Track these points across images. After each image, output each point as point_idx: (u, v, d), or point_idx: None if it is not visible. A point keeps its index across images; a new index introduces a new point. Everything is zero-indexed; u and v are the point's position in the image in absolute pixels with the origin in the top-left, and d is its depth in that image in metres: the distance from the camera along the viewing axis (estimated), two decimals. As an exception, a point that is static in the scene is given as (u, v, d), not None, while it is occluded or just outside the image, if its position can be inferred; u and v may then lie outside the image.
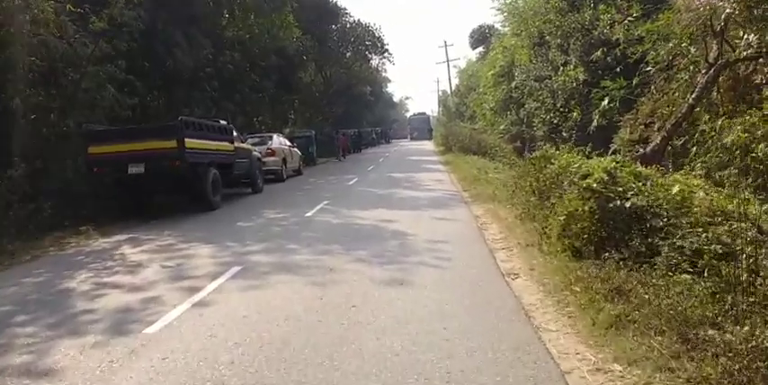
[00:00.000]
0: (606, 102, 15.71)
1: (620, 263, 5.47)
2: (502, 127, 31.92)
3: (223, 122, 13.28)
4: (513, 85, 27.55)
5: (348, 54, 42.55)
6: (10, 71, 10.02)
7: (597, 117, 16.27)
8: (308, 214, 10.60)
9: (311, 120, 41.08)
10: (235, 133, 13.99)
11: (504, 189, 12.68)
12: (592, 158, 8.69)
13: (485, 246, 7.48)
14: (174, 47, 17.73)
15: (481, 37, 50.27)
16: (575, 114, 17.38)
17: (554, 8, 21.21)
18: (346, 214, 10.49)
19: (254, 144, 17.91)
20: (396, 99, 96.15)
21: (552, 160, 9.35)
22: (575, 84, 18.70)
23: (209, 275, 6.12)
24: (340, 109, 48.65)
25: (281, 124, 34.16)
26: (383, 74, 66.38)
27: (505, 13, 30.93)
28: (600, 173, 6.48)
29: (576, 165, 7.46)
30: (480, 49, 50.11)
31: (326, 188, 15.85)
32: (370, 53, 41.78)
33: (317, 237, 8.23)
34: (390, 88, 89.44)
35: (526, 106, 25.80)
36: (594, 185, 6.19)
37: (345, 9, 39.04)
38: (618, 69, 16.17)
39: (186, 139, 10.74)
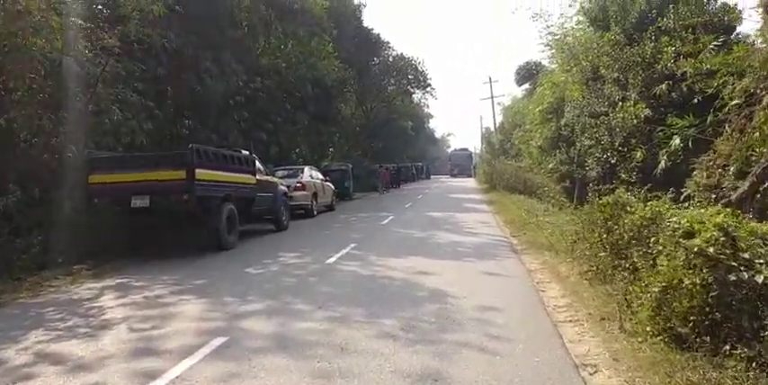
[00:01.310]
0: (678, 141, 13.95)
1: (752, 363, 3.80)
2: (550, 166, 30.13)
3: (245, 153, 12.03)
4: (563, 122, 25.94)
5: (390, 88, 41.74)
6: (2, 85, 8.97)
7: (664, 157, 14.45)
8: (331, 260, 9.06)
9: (350, 154, 40.09)
10: (258, 165, 12.74)
11: (561, 237, 10.99)
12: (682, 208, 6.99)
13: (546, 317, 5.78)
14: (203, 72, 16.89)
15: (527, 74, 48.85)
16: (638, 154, 15.54)
17: (610, 42, 19.62)
18: (375, 262, 8.91)
19: (283, 177, 16.69)
20: (438, 135, 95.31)
21: (628, 207, 7.65)
22: (635, 121, 16.89)
23: (180, 351, 4.59)
24: (380, 143, 47.67)
25: (318, 157, 33.20)
26: (425, 109, 65.69)
27: (553, 50, 29.75)
28: (712, 231, 4.76)
29: (671, 218, 5.73)
30: (526, 85, 48.70)
31: (357, 227, 14.35)
32: (412, 87, 40.84)
33: (335, 293, 6.67)
34: (432, 124, 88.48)
35: (577, 144, 24.07)
36: (710, 250, 4.48)
37: (388, 43, 38.41)
38: (685, 106, 14.53)
39: (197, 170, 9.46)
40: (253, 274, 8.10)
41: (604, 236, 7.67)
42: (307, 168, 17.94)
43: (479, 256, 9.49)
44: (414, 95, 43.72)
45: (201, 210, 9.90)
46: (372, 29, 33.30)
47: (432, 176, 67.44)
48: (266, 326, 5.31)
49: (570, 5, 25.30)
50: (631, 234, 6.66)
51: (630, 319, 5.31)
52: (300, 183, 16.61)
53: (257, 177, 12.11)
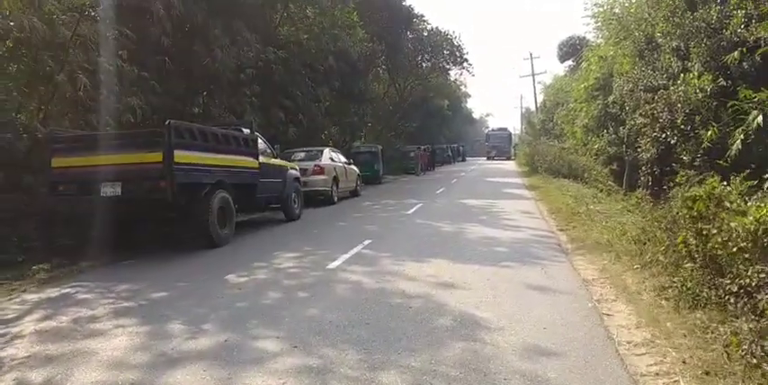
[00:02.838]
0: (760, 117, 11.69)
1: None
2: (596, 146, 27.76)
3: (246, 131, 10.30)
4: (611, 99, 23.59)
5: (425, 65, 39.46)
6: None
7: (740, 137, 12.19)
8: (335, 264, 7.31)
9: (382, 135, 38.21)
10: (263, 145, 11.05)
11: (620, 233, 9.05)
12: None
13: (620, 367, 3.92)
14: (212, 43, 15.20)
15: (571, 49, 45.99)
16: (708, 133, 13.23)
17: (668, 7, 17.08)
18: (388, 268, 7.11)
19: (299, 160, 15.02)
20: (476, 116, 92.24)
21: (727, 203, 5.66)
22: (700, 95, 14.48)
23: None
24: (414, 123, 45.55)
25: (348, 138, 31.44)
26: (463, 88, 62.92)
27: (600, 22, 27.26)
28: None
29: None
30: (569, 62, 45.79)
31: (379, 217, 12.56)
32: (448, 63, 38.46)
33: (323, 321, 4.89)
34: (470, 104, 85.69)
35: (628, 123, 21.74)
36: None
37: (423, 16, 36.08)
38: (760, 77, 12.30)
39: (177, 152, 7.80)
40: (230, 285, 6.40)
41: (692, 241, 5.69)
42: (327, 150, 16.17)
43: (520, 259, 7.60)
44: (450, 72, 41.27)
45: (185, 199, 8.27)
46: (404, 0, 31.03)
47: (468, 158, 64.78)
48: (204, 380, 3.60)
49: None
50: (744, 244, 4.69)
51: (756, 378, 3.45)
52: (318, 166, 14.88)
53: (261, 160, 10.42)
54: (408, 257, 7.70)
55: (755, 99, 11.78)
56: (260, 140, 10.94)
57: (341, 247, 8.39)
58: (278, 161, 11.59)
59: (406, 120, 45.23)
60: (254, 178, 10.06)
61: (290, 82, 17.35)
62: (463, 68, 39.64)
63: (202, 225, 8.56)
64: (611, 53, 25.07)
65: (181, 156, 7.88)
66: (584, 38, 39.22)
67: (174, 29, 14.69)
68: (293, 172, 12.14)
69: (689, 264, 5.69)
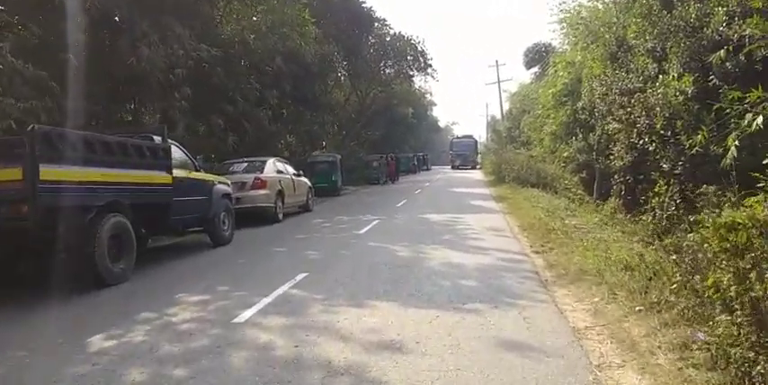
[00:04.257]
0: (759, 120, 10.36)
1: None
2: (565, 154, 26.58)
3: (157, 139, 8.43)
4: (580, 104, 22.41)
5: (388, 71, 37.94)
6: None
7: (734, 143, 10.82)
8: (246, 315, 5.44)
9: (344, 144, 36.48)
10: (181, 156, 9.22)
11: (607, 258, 7.52)
12: None
13: None
14: (138, 40, 13.30)
15: (537, 56, 45.23)
16: (699, 137, 11.80)
17: (642, 7, 15.85)
18: (317, 317, 5.32)
19: (238, 172, 13.19)
20: (442, 124, 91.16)
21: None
22: (681, 97, 13.14)
23: None
24: (377, 132, 43.95)
25: (307, 147, 29.59)
26: (428, 96, 61.62)
27: (566, 27, 26.27)
28: None
29: None
30: (535, 69, 45.04)
31: (326, 240, 10.76)
32: (411, 69, 36.98)
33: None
34: (436, 112, 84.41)
35: (598, 129, 20.55)
36: None
37: (385, 20, 34.52)
38: (746, 78, 11.04)
39: (45, 167, 5.92)
40: (87, 355, 4.49)
41: (729, 284, 4.09)
42: (271, 161, 14.29)
43: (491, 298, 5.93)
44: (414, 78, 39.82)
45: (63, 227, 6.40)
46: (364, 1, 29.43)
47: (434, 167, 63.28)
48: None
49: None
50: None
51: None
52: (259, 179, 13.02)
53: (177, 174, 8.56)
54: (348, 300, 5.94)
55: (747, 101, 10.52)
56: (177, 150, 9.10)
57: (265, 286, 6.59)
58: (201, 175, 9.72)
59: (370, 129, 43.61)
60: (165, 196, 8.19)
61: (232, 85, 15.50)
62: (427, 74, 38.27)
63: (86, 258, 6.66)
64: (580, 58, 24.04)
65: (51, 171, 6.01)
66: (551, 44, 38.46)
67: (92, 24, 12.84)
68: (222, 187, 10.26)
69: (724, 317, 4.10)
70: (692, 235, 5.92)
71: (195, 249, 9.99)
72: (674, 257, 5.84)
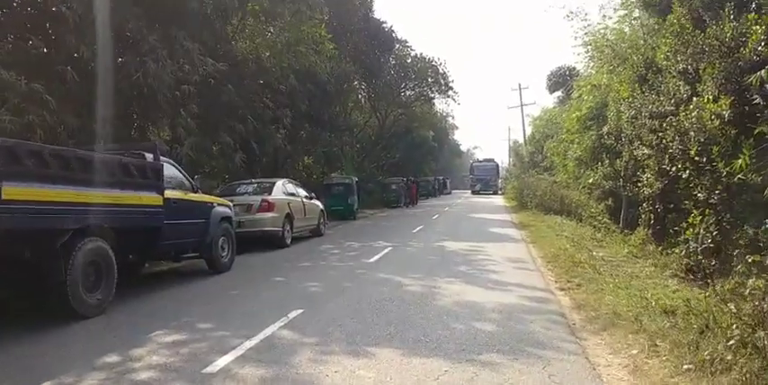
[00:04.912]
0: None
1: None
2: (590, 180, 25.58)
3: (149, 156, 7.76)
4: (606, 129, 21.50)
5: (408, 93, 37.46)
6: None
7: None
8: (219, 364, 4.53)
9: (363, 166, 35.86)
10: (177, 175, 8.54)
11: (642, 299, 6.62)
12: None
13: None
14: (146, 53, 12.84)
15: (560, 79, 44.53)
16: (739, 162, 10.83)
17: (672, 26, 15.02)
18: (302, 370, 4.42)
19: (245, 193, 12.53)
20: (463, 148, 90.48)
21: None
22: (717, 121, 12.17)
23: None
24: (397, 154, 43.30)
25: (325, 169, 28.98)
26: (450, 120, 61.03)
27: (591, 50, 25.55)
28: None
29: None
30: (559, 93, 44.31)
31: (331, 269, 9.94)
32: (432, 91, 36.42)
33: None
34: (458, 136, 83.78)
35: (624, 155, 19.59)
36: None
37: (406, 41, 34.14)
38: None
39: (8, 186, 5.24)
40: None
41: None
42: (280, 182, 13.57)
43: (511, 348, 5.04)
44: (434, 101, 39.26)
45: (31, 252, 5.71)
46: (385, 22, 29.09)
47: (455, 191, 62.23)
48: None
49: (611, -2, 21.27)
50: None
51: None
52: (267, 201, 12.30)
53: (170, 195, 7.87)
54: (343, 345, 5.10)
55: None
56: (172, 169, 8.43)
57: (252, 324, 5.77)
58: (198, 196, 9.00)
59: (389, 151, 43.02)
60: (155, 219, 7.48)
61: (243, 103, 14.94)
62: (448, 96, 37.70)
63: (57, 288, 5.93)
64: (605, 81, 23.26)
65: (16, 190, 5.32)
66: (574, 68, 37.75)
67: (99, 37, 12.41)
68: (222, 210, 9.53)
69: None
70: (752, 280, 5.02)
71: (191, 276, 9.23)
72: (732, 307, 4.93)
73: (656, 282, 9.14)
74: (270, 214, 12.24)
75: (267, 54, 16.62)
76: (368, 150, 38.94)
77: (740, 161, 10.23)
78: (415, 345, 5.11)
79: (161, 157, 8.24)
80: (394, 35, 31.00)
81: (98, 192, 6.43)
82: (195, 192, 8.91)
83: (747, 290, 4.84)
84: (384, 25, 28.86)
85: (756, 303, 4.61)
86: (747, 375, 4.02)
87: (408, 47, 34.53)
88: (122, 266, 7.02)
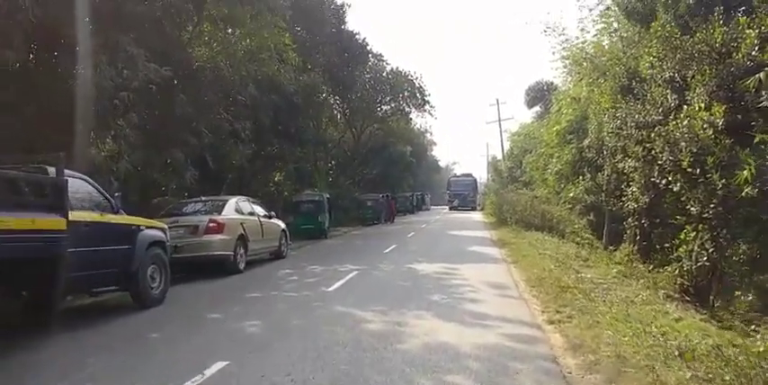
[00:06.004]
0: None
1: None
2: (572, 194, 24.69)
3: (51, 170, 6.37)
4: (587, 142, 20.70)
5: (384, 107, 36.42)
6: None
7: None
8: None
9: (337, 182, 34.57)
10: (87, 192, 7.16)
11: (643, 328, 5.44)
12: None
13: None
14: (83, 60, 11.51)
15: (539, 94, 44.23)
16: (744, 173, 9.74)
17: (656, 33, 14.22)
18: None
19: (192, 213, 11.15)
20: (442, 164, 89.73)
21: None
22: (710, 131, 11.16)
23: None
24: (374, 170, 42.13)
25: (295, 186, 27.57)
26: (428, 135, 60.17)
27: (569, 65, 24.98)
28: None
29: None
30: (537, 107, 43.96)
31: (282, 301, 8.50)
32: (408, 106, 35.38)
33: None
34: (436, 152, 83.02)
35: (607, 168, 18.70)
36: None
37: (381, 55, 33.12)
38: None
39: None
40: None
41: None
42: (233, 200, 12.15)
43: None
44: (411, 115, 38.24)
45: None
46: (358, 33, 28.01)
47: (434, 207, 61.03)
48: None
49: (591, 10, 20.83)
50: None
51: None
52: (215, 221, 10.87)
53: (75, 218, 6.46)
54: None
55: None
56: (85, 186, 7.06)
57: (155, 386, 4.41)
58: (121, 218, 7.59)
59: (366, 167, 41.83)
60: (54, 247, 6.05)
61: (197, 115, 13.59)
62: (425, 111, 36.70)
63: None
64: (585, 93, 22.61)
65: None
66: (552, 82, 37.37)
67: (28, 40, 11.08)
68: (151, 233, 8.09)
69: None
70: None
71: (113, 312, 7.77)
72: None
73: (654, 309, 8.07)
74: (219, 236, 10.82)
75: (227, 62, 15.34)
76: (343, 166, 37.71)
77: (745, 173, 9.20)
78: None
79: (74, 173, 6.89)
80: (368, 48, 29.99)
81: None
82: (116, 214, 7.50)
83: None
84: (357, 37, 27.78)
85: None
86: None
87: (384, 61, 33.55)
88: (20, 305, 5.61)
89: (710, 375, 4.37)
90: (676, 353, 5.19)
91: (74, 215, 6.40)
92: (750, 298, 11.85)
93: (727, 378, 4.18)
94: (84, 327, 6.76)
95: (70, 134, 12.00)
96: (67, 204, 6.29)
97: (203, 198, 12.14)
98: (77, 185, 6.79)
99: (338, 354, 5.32)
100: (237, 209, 11.97)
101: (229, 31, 14.92)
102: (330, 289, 9.25)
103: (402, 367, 4.95)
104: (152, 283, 8.00)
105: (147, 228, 8.11)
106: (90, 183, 7.24)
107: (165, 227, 8.77)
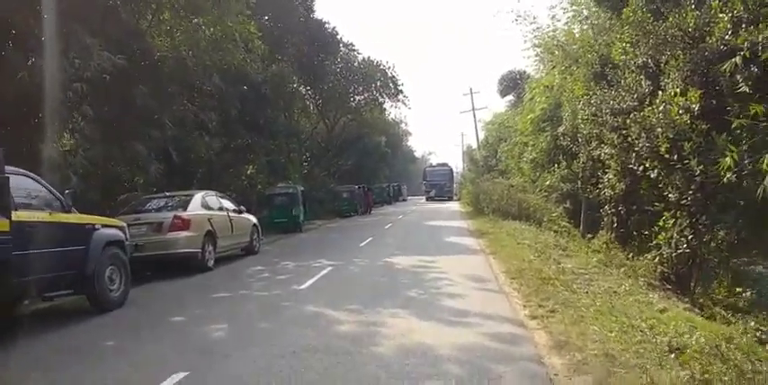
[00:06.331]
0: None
1: None
2: (547, 183, 24.62)
3: (-10, 168, 5.82)
4: (561, 130, 20.56)
5: (357, 98, 35.89)
6: None
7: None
8: None
9: (312, 175, 33.99)
10: (33, 189, 6.61)
11: (629, 322, 5.16)
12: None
13: None
14: (33, 51, 10.85)
15: (512, 83, 44.15)
16: (727, 160, 9.49)
17: (628, 18, 14.02)
18: None
19: (156, 209, 10.61)
20: (418, 154, 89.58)
21: None
22: (686, 116, 10.96)
23: None
24: (349, 161, 41.64)
25: (269, 179, 26.94)
26: (403, 125, 59.78)
27: (542, 52, 24.73)
28: None
29: None
30: (510, 96, 43.87)
31: (250, 300, 8.07)
32: (381, 96, 34.89)
33: None
34: (412, 143, 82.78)
35: (582, 156, 18.56)
36: None
37: (352, 44, 32.54)
38: (759, 91, 9.29)
39: None
40: None
41: None
42: (199, 195, 11.60)
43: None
44: (385, 105, 37.78)
45: None
46: (327, 22, 27.40)
47: (410, 198, 60.77)
48: None
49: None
50: None
51: None
52: (180, 218, 10.34)
53: (20, 218, 5.92)
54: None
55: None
56: (30, 184, 6.50)
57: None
58: (73, 217, 7.05)
59: (341, 159, 41.32)
60: (-4, 251, 5.54)
61: (159, 106, 12.96)
62: (398, 101, 36.26)
63: None
64: (558, 81, 22.44)
65: None
66: (525, 72, 37.33)
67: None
68: (107, 232, 7.56)
69: None
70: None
71: (70, 317, 7.25)
72: None
73: (638, 300, 7.87)
74: (185, 233, 10.30)
75: (190, 52, 14.69)
76: (318, 158, 37.15)
77: (728, 160, 8.95)
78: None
79: (18, 170, 6.33)
80: (339, 37, 29.40)
81: None
82: (67, 212, 6.96)
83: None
84: (326, 26, 27.16)
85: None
86: None
87: (355, 50, 33.00)
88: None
89: (707, 375, 4.08)
90: (667, 350, 4.93)
91: (17, 215, 5.86)
92: (728, 283, 11.81)
93: (726, 378, 3.89)
94: (31, 336, 6.23)
95: (21, 128, 11.38)
96: (10, 204, 5.75)
97: (168, 193, 11.56)
98: (21, 183, 6.23)
99: (307, 361, 4.91)
100: (204, 204, 11.43)
101: (194, 20, 14.23)
102: (302, 287, 8.81)
103: (376, 373, 4.58)
104: (111, 285, 7.48)
105: (104, 226, 7.57)
106: (36, 180, 6.68)
107: (124, 225, 8.23)
